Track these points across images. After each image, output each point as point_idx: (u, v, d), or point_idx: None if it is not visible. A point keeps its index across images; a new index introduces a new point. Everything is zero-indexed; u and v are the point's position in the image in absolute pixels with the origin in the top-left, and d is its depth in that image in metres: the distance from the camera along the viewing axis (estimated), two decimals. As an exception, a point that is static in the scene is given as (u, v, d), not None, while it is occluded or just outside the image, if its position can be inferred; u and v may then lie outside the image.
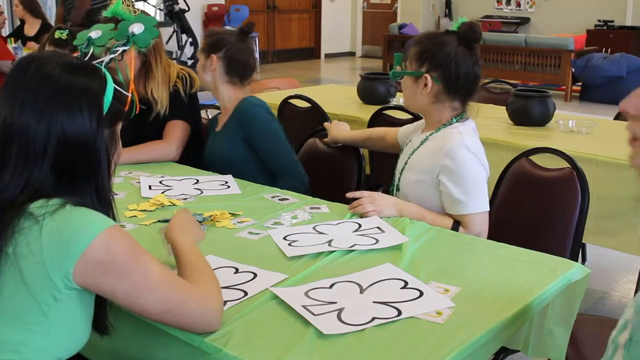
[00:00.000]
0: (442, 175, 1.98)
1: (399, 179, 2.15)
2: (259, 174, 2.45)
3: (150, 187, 2.26)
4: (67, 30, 3.08)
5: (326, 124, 2.72)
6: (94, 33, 1.45)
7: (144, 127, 2.66)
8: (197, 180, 2.36)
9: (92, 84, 1.24)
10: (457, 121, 2.06)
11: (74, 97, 1.20)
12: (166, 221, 1.74)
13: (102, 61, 1.35)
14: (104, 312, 1.28)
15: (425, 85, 2.04)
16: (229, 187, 2.30)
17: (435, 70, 2.03)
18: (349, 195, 2.06)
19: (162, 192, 2.19)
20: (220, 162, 2.53)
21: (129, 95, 1.34)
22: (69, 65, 1.24)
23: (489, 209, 2.00)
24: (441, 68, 2.03)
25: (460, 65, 2.02)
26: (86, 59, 1.37)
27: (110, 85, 1.27)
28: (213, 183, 2.34)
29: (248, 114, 2.48)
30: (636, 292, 0.94)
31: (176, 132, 2.68)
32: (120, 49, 1.41)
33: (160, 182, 2.33)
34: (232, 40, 2.52)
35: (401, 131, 2.38)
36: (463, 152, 1.97)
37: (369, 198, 2.01)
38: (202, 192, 2.23)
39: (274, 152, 2.47)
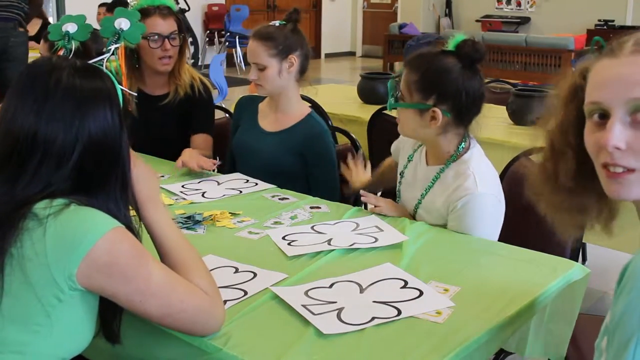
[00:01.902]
0: (452, 214, 1.87)
1: (414, 217, 2.02)
2: (292, 186, 2.33)
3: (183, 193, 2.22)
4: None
5: (346, 174, 2.33)
6: (70, 27, 1.41)
7: (156, 112, 2.68)
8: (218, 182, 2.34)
9: (106, 84, 1.25)
10: (463, 148, 1.92)
11: (97, 100, 1.21)
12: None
13: (99, 60, 1.34)
14: (117, 322, 1.28)
15: (434, 118, 1.86)
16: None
17: (444, 103, 1.84)
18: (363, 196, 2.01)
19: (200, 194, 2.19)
20: (259, 161, 2.42)
21: (128, 91, 1.33)
22: (81, 70, 1.24)
23: None
24: (451, 100, 1.85)
25: (469, 92, 1.85)
26: (71, 54, 1.35)
27: (117, 86, 1.28)
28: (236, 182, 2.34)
29: (316, 137, 2.39)
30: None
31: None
32: (113, 47, 1.38)
33: (183, 186, 2.28)
34: (300, 35, 2.40)
35: (393, 148, 2.26)
36: (479, 203, 1.83)
37: (385, 201, 2.00)
38: (241, 192, 2.23)
39: (323, 180, 2.41)
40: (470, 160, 1.90)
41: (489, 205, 1.85)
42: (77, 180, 1.19)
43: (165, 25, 2.60)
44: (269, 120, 2.48)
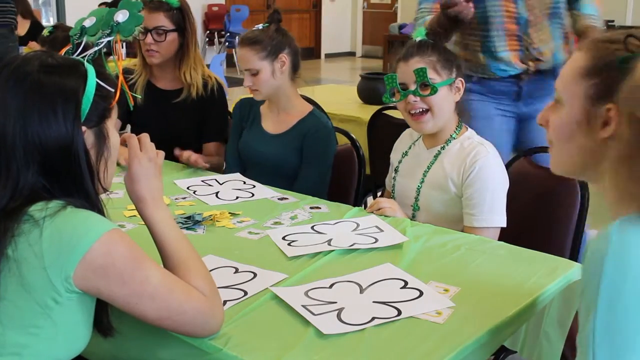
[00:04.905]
0: (470, 179, 1.97)
1: (417, 198, 2.08)
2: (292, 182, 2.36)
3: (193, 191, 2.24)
4: (51, 28, 3.05)
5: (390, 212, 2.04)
6: (88, 21, 1.37)
7: (169, 108, 2.67)
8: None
9: (67, 84, 1.20)
10: (460, 128, 2.07)
11: (46, 99, 1.17)
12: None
13: (86, 55, 1.29)
14: (106, 314, 1.27)
15: (459, 89, 2.06)
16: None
17: (460, 72, 2.07)
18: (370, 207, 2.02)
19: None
20: (266, 164, 2.41)
21: (113, 90, 1.28)
22: (46, 66, 1.20)
23: (501, 225, 1.96)
24: (461, 68, 2.07)
25: None
26: (78, 50, 1.31)
27: (92, 83, 1.22)
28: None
29: (316, 133, 2.37)
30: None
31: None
32: (105, 40, 1.34)
33: (188, 188, 2.27)
34: (285, 34, 2.38)
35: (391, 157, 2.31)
36: (494, 160, 1.99)
37: (387, 200, 2.02)
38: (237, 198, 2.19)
39: (311, 178, 2.37)
40: (473, 135, 2.08)
41: (500, 163, 2.02)
42: (47, 181, 1.18)
43: (150, 19, 2.56)
44: (271, 122, 2.47)
